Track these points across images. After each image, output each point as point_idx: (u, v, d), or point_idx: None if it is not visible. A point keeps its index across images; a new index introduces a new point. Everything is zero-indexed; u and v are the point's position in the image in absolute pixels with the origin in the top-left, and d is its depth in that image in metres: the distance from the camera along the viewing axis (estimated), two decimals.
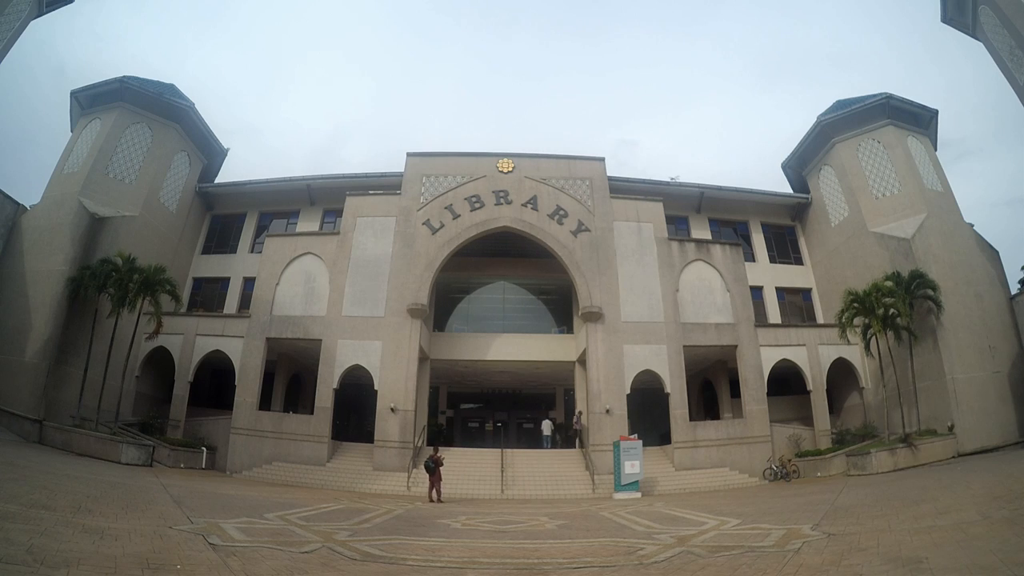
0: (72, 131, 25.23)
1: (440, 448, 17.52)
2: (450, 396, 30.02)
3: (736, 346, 22.63)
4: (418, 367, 22.01)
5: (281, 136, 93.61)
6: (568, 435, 24.93)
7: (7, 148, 56.11)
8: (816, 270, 27.88)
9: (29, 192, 29.45)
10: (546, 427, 25.25)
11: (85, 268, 20.60)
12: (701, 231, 28.35)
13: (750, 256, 27.45)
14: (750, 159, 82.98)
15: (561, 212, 24.16)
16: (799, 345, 23.37)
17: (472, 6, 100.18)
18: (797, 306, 27.62)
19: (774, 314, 26.67)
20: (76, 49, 71.03)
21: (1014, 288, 22.99)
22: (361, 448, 21.87)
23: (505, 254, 26.20)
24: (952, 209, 23.75)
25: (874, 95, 25.52)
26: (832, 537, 7.03)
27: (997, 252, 23.65)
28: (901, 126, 25.21)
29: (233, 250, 28.04)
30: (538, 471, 20.24)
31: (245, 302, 25.68)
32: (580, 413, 23.15)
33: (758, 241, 28.67)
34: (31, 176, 37.02)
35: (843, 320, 21.15)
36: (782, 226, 29.44)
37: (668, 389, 21.69)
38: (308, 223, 27.81)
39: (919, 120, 25.71)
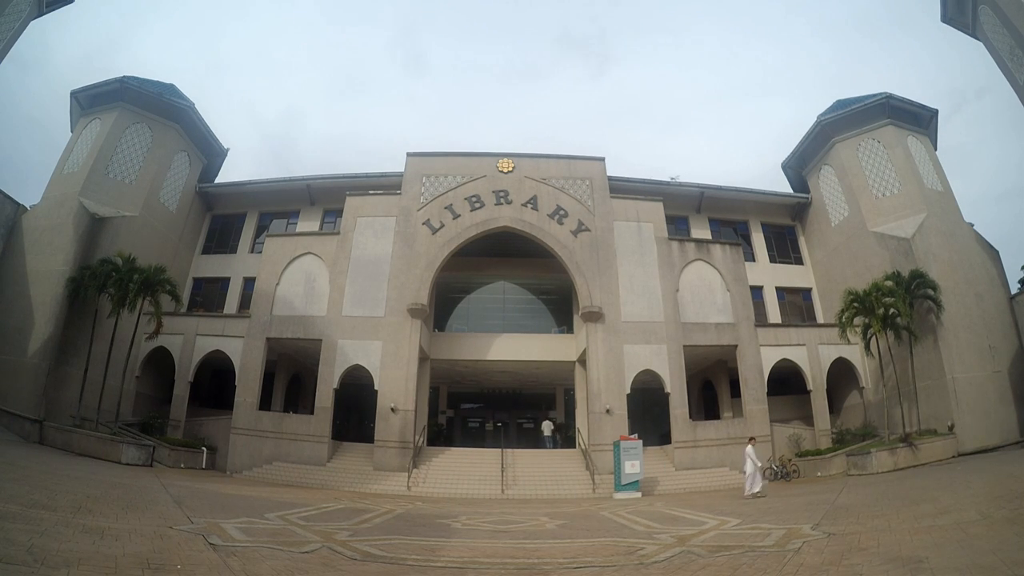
0: (72, 131, 25.23)
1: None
2: (450, 396, 30.02)
3: (736, 346, 22.63)
4: (418, 367, 22.00)
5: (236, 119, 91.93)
6: (568, 435, 24.95)
7: (7, 148, 56.17)
8: (816, 270, 27.88)
9: (29, 192, 29.57)
10: (546, 427, 25.23)
11: (85, 268, 20.60)
12: (701, 231, 28.36)
13: (750, 256, 27.45)
14: (750, 159, 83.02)
15: (561, 212, 24.16)
16: (799, 345, 23.37)
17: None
18: (797, 306, 27.62)
19: (774, 314, 26.67)
20: (76, 49, 71.03)
21: (1014, 288, 22.96)
22: (361, 448, 21.87)
23: (505, 254, 26.18)
24: (952, 209, 23.74)
25: (874, 95, 25.50)
26: (832, 537, 7.03)
27: (997, 252, 23.62)
28: (901, 126, 25.20)
29: (233, 250, 28.05)
30: (538, 471, 20.24)
31: (245, 302, 25.69)
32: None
33: (758, 241, 28.66)
34: (31, 176, 37.13)
35: (843, 320, 21.14)
36: (782, 226, 29.44)
37: (668, 389, 21.69)
38: (308, 223, 27.82)
39: (919, 120, 25.70)
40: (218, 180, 29.58)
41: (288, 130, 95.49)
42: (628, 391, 21.62)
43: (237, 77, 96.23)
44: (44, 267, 20.78)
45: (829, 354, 23.20)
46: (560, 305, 26.79)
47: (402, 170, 25.25)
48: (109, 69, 62.03)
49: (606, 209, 24.48)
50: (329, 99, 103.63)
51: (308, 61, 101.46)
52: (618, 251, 23.71)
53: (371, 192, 25.27)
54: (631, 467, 17.64)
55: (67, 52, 68.05)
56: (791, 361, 22.93)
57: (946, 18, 22.41)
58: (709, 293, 23.47)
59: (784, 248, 28.95)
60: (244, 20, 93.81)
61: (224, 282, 27.21)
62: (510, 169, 24.93)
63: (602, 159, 25.78)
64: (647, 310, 22.77)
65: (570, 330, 25.64)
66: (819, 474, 19.64)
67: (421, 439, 21.66)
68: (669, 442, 21.67)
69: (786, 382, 24.08)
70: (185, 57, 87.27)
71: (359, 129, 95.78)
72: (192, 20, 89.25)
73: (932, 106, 25.72)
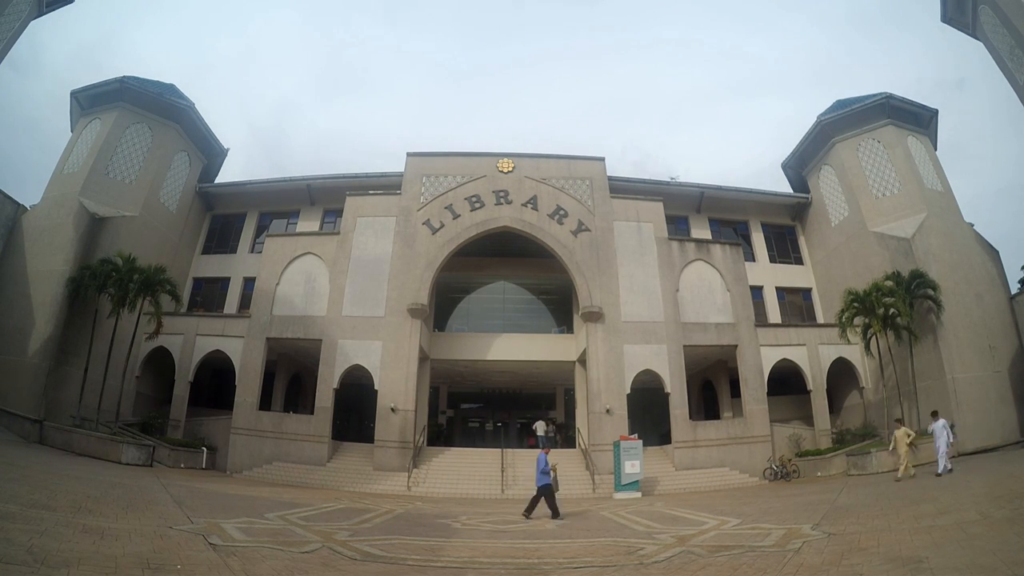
0: (72, 131, 25.23)
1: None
2: (450, 396, 30.03)
3: (736, 346, 22.63)
4: (418, 367, 22.01)
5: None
6: (568, 435, 24.92)
7: (7, 148, 56.18)
8: (816, 270, 27.88)
9: (29, 192, 29.56)
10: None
11: (85, 268, 20.60)
12: (701, 231, 28.36)
13: (750, 256, 27.46)
14: (749, 157, 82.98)
15: (561, 212, 24.16)
16: (799, 345, 23.37)
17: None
18: (797, 306, 27.62)
19: (774, 314, 26.67)
20: (76, 49, 71.02)
21: (1014, 288, 22.96)
22: (361, 448, 21.88)
23: (505, 254, 26.19)
24: (952, 209, 23.74)
25: (874, 95, 25.50)
26: (832, 537, 7.03)
27: (997, 252, 23.62)
28: (901, 126, 25.20)
29: (233, 250, 28.06)
30: None
31: (245, 302, 25.70)
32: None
33: (758, 241, 28.67)
34: (31, 176, 37.17)
35: (843, 320, 21.14)
36: (782, 226, 29.44)
37: (668, 389, 21.68)
38: (308, 223, 27.83)
39: (919, 120, 25.70)
40: (218, 180, 29.60)
41: (282, 126, 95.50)
42: (628, 391, 21.62)
43: (229, 74, 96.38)
44: (44, 267, 20.78)
45: (829, 354, 23.20)
46: (560, 305, 26.79)
47: (402, 170, 25.25)
48: (103, 67, 62.34)
49: (606, 209, 24.48)
50: (323, 96, 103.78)
51: (301, 58, 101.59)
52: (618, 251, 23.71)
53: (371, 192, 25.26)
54: (631, 467, 17.63)
55: (62, 51, 68.08)
56: (791, 361, 22.94)
57: (946, 18, 22.41)
58: (709, 293, 23.47)
59: (784, 248, 28.96)
60: (237, 17, 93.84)
61: (224, 282, 27.21)
62: (510, 169, 24.93)
63: (602, 159, 25.78)
64: (647, 310, 22.76)
65: (570, 330, 25.63)
66: (819, 474, 19.63)
67: (421, 439, 21.66)
68: (669, 442, 21.66)
69: (786, 382, 24.09)
70: (177, 54, 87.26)
71: (355, 127, 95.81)
72: (186, 18, 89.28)
73: (931, 105, 25.75)
